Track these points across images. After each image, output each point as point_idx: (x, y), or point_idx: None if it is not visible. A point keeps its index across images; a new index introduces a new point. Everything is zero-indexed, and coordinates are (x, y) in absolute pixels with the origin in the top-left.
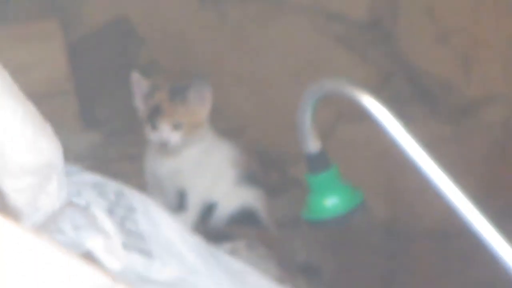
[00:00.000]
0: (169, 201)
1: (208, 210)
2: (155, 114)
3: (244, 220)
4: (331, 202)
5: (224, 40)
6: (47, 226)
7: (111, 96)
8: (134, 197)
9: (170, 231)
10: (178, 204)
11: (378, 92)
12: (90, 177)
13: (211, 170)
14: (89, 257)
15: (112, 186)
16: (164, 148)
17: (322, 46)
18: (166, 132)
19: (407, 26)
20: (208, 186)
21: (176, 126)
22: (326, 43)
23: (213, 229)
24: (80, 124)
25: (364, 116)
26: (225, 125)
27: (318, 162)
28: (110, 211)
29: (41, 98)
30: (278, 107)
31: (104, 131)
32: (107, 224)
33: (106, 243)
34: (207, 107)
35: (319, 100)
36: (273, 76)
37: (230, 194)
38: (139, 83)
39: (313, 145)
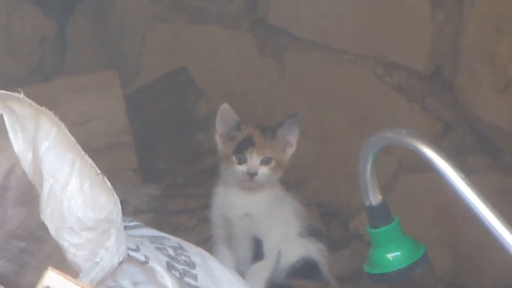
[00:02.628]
0: (237, 246)
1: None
2: (244, 146)
3: (305, 272)
4: (393, 256)
5: (284, 89)
6: (106, 282)
7: (170, 148)
8: (193, 251)
9: (230, 286)
10: (253, 251)
11: (439, 142)
12: (149, 231)
13: (281, 219)
14: None
15: (171, 240)
16: (249, 181)
17: (383, 96)
18: (255, 165)
19: (467, 75)
20: (280, 235)
21: (265, 161)
22: (387, 93)
23: (273, 281)
24: (138, 177)
25: (425, 166)
26: (285, 176)
27: (379, 215)
28: (170, 266)
29: (100, 150)
30: (338, 157)
31: (163, 184)
32: (167, 279)
33: None
34: (293, 147)
35: (379, 151)
36: (333, 126)
37: (293, 245)
38: (227, 116)
39: (374, 197)
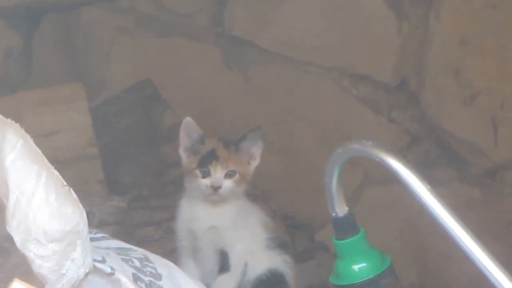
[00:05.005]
0: (203, 259)
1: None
2: (208, 160)
3: (271, 284)
4: (359, 267)
5: (250, 103)
6: None
7: (136, 160)
8: (160, 263)
9: None
10: (219, 263)
11: (405, 154)
12: (115, 243)
13: (247, 231)
14: None
15: (138, 252)
16: (214, 194)
17: (349, 108)
18: (219, 178)
19: (433, 88)
20: (246, 247)
21: (229, 174)
22: (353, 105)
23: None
24: (104, 189)
25: (391, 178)
26: (252, 188)
27: (345, 226)
28: (136, 278)
29: (66, 163)
30: (304, 170)
31: (129, 196)
32: None
33: None
34: (257, 160)
35: (345, 163)
36: (300, 138)
37: (259, 257)
38: (190, 129)
39: (340, 208)
